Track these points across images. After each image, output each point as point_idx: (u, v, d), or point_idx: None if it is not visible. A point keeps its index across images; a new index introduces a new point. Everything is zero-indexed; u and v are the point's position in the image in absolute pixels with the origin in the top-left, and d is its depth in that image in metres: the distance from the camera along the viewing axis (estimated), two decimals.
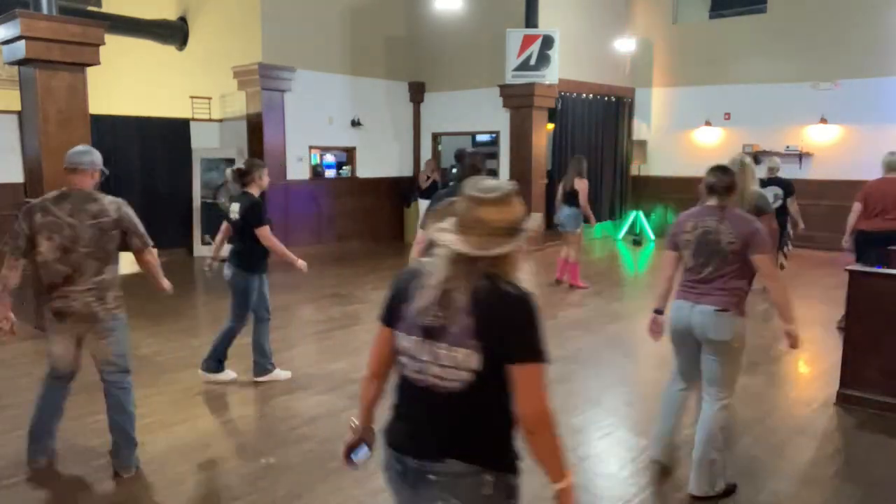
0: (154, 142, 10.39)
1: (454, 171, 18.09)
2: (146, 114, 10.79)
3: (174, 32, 12.04)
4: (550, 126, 12.14)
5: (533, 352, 1.71)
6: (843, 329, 6.34)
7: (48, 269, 3.48)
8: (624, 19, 13.54)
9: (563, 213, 8.40)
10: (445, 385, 1.74)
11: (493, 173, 14.45)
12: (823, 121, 11.85)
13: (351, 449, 2.05)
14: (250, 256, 4.92)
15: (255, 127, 10.86)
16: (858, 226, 6.43)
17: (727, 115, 12.92)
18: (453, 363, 1.72)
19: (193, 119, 11.16)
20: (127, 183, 10.01)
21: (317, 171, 12.02)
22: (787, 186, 8.09)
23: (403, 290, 1.83)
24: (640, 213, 13.39)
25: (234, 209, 4.91)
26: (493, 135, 12.78)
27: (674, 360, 3.67)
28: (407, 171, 13.08)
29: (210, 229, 10.35)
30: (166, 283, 3.81)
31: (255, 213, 4.87)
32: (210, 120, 11.46)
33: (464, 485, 1.73)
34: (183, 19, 12.12)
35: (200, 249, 10.81)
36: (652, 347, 6.47)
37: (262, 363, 5.17)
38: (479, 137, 16.09)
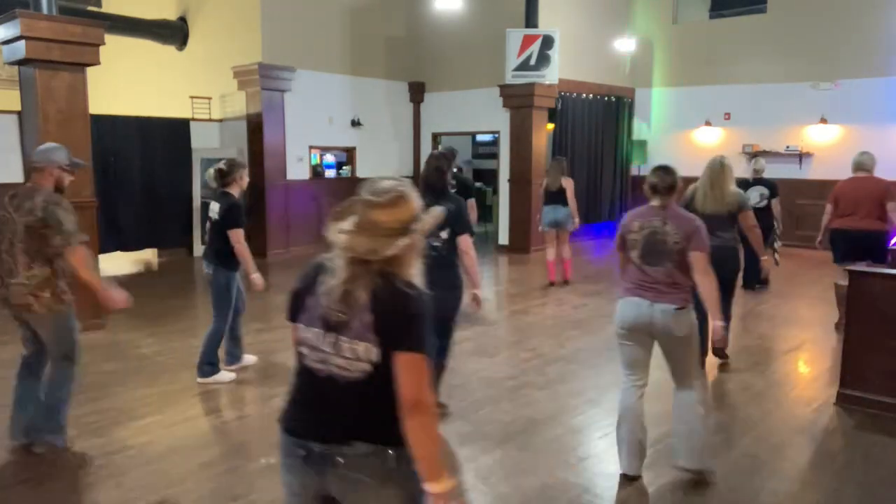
0: (154, 142, 10.39)
1: (454, 171, 18.04)
2: (146, 114, 10.79)
3: (174, 32, 12.04)
4: (550, 126, 12.13)
5: (417, 342, 1.82)
6: (841, 328, 6.45)
7: (0, 259, 3.75)
8: (624, 19, 13.55)
9: (560, 212, 8.42)
10: (347, 375, 1.86)
11: (484, 174, 14.50)
12: (823, 121, 11.85)
13: None
14: (232, 254, 4.96)
15: (255, 127, 10.86)
16: (831, 225, 6.52)
17: (727, 115, 12.92)
18: (355, 355, 1.84)
19: (193, 119, 11.16)
20: (127, 183, 10.02)
21: (317, 171, 12.03)
22: (773, 187, 8.20)
23: (308, 284, 1.95)
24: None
25: (215, 209, 4.96)
26: (495, 135, 12.77)
27: (622, 360, 3.73)
28: (407, 171, 13.08)
29: None
30: (96, 281, 3.84)
31: (232, 214, 4.93)
32: (210, 120, 11.46)
33: (371, 463, 1.86)
34: (183, 19, 12.12)
35: (200, 249, 10.79)
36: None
37: (236, 353, 5.34)
38: (480, 137, 16.11)
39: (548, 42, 11.12)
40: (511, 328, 6.90)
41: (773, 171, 12.08)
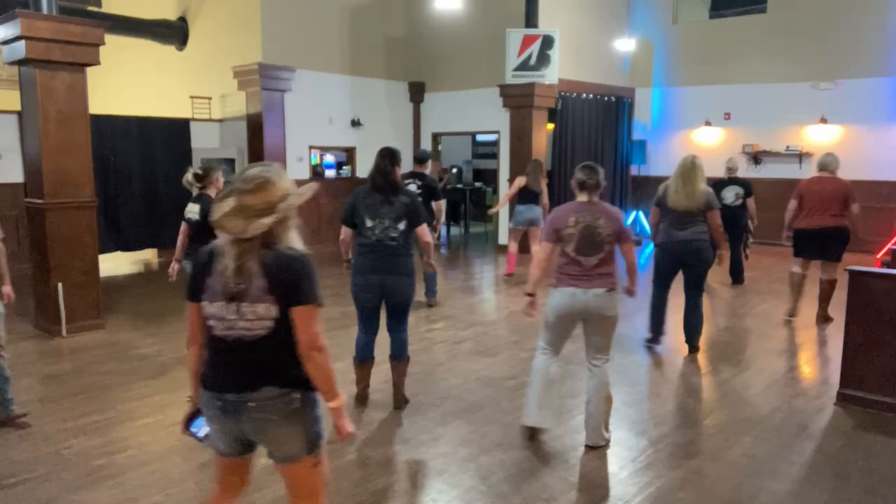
0: (154, 142, 10.38)
1: (454, 171, 18.01)
2: (146, 114, 10.78)
3: (174, 32, 12.04)
4: (550, 126, 12.13)
5: (307, 296, 2.20)
6: (823, 321, 6.86)
7: None
8: (624, 19, 13.55)
9: (535, 211, 8.94)
10: (253, 333, 2.21)
11: (484, 174, 14.48)
12: (823, 121, 11.86)
13: (189, 420, 2.41)
14: None
15: (255, 127, 10.86)
16: (798, 224, 6.78)
17: (727, 115, 12.92)
18: (257, 316, 2.19)
19: (193, 119, 11.15)
20: (127, 183, 10.02)
21: (317, 171, 12.02)
22: (747, 186, 8.57)
23: (204, 267, 2.27)
24: (640, 213, 13.39)
25: (194, 210, 5.03)
26: (495, 135, 12.77)
27: (545, 337, 4.14)
28: (407, 171, 13.06)
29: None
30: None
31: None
32: (210, 120, 11.46)
33: (278, 404, 2.24)
34: (183, 19, 12.12)
35: None
36: (652, 348, 6.47)
37: None
38: (480, 137, 16.11)
39: (548, 42, 11.12)
40: (511, 328, 6.90)
41: (773, 170, 12.16)
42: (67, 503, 3.44)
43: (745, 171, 12.67)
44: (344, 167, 12.65)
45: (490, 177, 14.81)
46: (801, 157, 12.02)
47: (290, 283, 2.19)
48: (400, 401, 4.72)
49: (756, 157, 12.62)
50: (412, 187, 7.31)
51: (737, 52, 12.68)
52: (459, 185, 15.48)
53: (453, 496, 3.49)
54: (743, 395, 4.96)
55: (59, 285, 6.29)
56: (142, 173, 10.23)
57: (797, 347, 6.38)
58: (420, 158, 7.72)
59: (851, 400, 4.65)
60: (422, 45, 12.98)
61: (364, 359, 4.73)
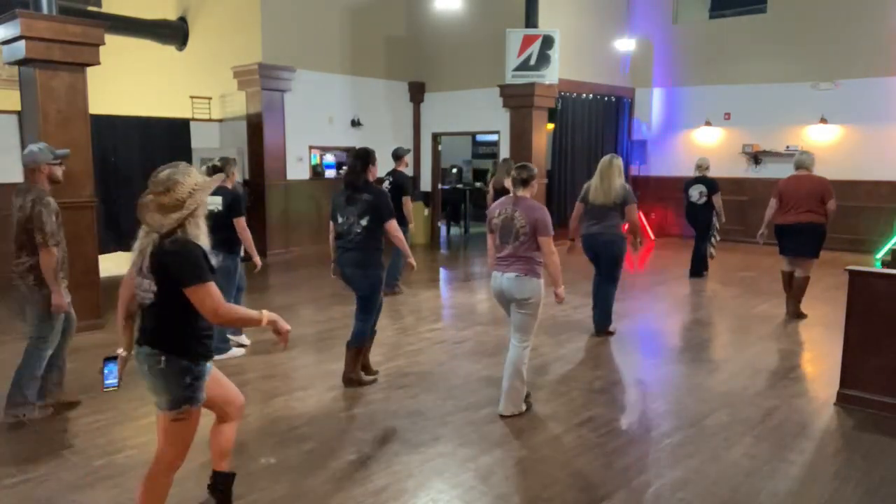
0: (154, 142, 10.37)
1: (454, 171, 17.99)
2: (146, 114, 10.79)
3: (174, 32, 12.04)
4: (550, 126, 12.13)
5: (187, 278, 2.64)
6: (795, 317, 7.04)
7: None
8: (624, 19, 13.55)
9: None
10: (146, 301, 2.75)
11: (485, 174, 14.39)
12: (823, 121, 11.86)
13: (105, 363, 2.91)
14: (236, 240, 5.62)
15: (255, 127, 10.87)
16: (776, 220, 6.99)
17: (727, 115, 12.92)
18: (147, 288, 2.72)
19: (193, 119, 11.16)
20: (127, 183, 10.00)
21: (317, 171, 12.02)
22: (712, 184, 8.96)
23: (136, 250, 2.79)
24: (640, 213, 13.38)
25: (217, 201, 5.47)
26: (495, 135, 12.77)
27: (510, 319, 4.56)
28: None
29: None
30: (51, 282, 4.26)
31: (237, 205, 5.61)
32: (210, 120, 11.46)
33: (150, 360, 2.76)
34: (183, 19, 12.12)
35: None
36: (652, 347, 6.48)
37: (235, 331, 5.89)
38: (480, 137, 16.11)
39: (548, 42, 11.12)
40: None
41: (773, 170, 12.15)
42: (67, 503, 3.44)
43: (745, 170, 12.71)
44: (344, 167, 12.61)
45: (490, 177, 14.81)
46: None
47: (168, 267, 2.65)
48: (345, 380, 5.05)
49: (756, 157, 12.62)
50: (384, 184, 7.89)
51: (737, 52, 12.68)
52: (459, 185, 15.48)
53: (453, 496, 3.49)
54: (743, 395, 4.96)
55: None
56: (142, 173, 10.12)
57: (797, 347, 6.38)
58: (394, 156, 8.32)
59: (851, 400, 4.65)
60: (422, 45, 12.97)
61: (347, 344, 5.09)
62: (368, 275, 4.86)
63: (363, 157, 4.90)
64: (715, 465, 3.84)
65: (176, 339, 2.75)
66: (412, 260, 5.06)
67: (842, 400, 4.70)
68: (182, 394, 2.77)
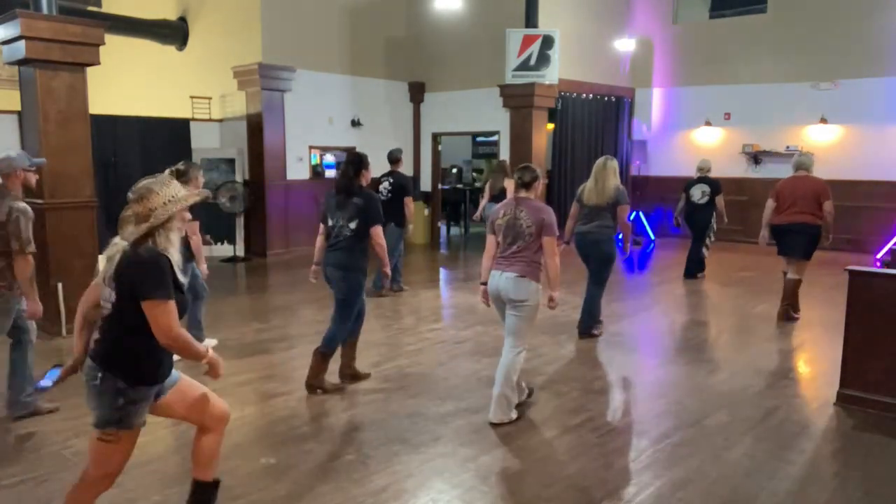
0: (154, 142, 10.38)
1: (453, 171, 17.99)
2: (146, 114, 10.79)
3: (174, 32, 12.04)
4: (550, 126, 12.13)
5: (144, 292, 2.57)
6: (785, 318, 7.01)
7: None
8: (624, 19, 13.55)
9: None
10: (104, 311, 2.71)
11: (481, 175, 14.41)
12: (823, 121, 11.86)
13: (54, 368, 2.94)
14: (188, 246, 5.49)
15: (255, 127, 10.87)
16: (773, 221, 7.01)
17: (727, 115, 12.93)
18: (107, 297, 2.68)
19: (193, 119, 11.16)
20: (127, 183, 9.90)
21: (317, 171, 12.02)
22: (715, 185, 9.00)
23: (104, 258, 2.77)
24: (640, 213, 13.39)
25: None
26: (495, 135, 12.76)
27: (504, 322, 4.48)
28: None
29: (210, 229, 10.34)
30: (28, 290, 4.17)
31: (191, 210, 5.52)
32: (210, 120, 11.46)
33: (89, 375, 2.69)
34: (183, 19, 12.13)
35: None
36: (652, 347, 6.47)
37: (199, 336, 5.73)
38: (480, 137, 16.11)
39: (548, 42, 11.12)
40: None
41: (773, 170, 12.15)
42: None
43: (745, 171, 12.71)
44: None
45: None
46: None
47: (128, 278, 2.61)
48: (307, 387, 4.94)
49: (756, 157, 12.62)
50: (384, 185, 8.00)
51: (737, 52, 12.68)
52: (459, 185, 15.48)
53: (453, 496, 3.49)
54: (743, 395, 4.96)
55: (60, 285, 6.28)
56: (142, 173, 10.05)
57: (797, 347, 6.38)
58: (391, 159, 8.38)
59: (851, 400, 4.65)
60: (422, 45, 12.97)
61: (315, 349, 4.99)
62: (348, 277, 4.82)
63: (355, 163, 4.89)
64: (715, 465, 3.84)
65: (117, 358, 2.66)
66: (388, 270, 5.08)
67: (842, 400, 4.70)
68: (111, 415, 2.65)
